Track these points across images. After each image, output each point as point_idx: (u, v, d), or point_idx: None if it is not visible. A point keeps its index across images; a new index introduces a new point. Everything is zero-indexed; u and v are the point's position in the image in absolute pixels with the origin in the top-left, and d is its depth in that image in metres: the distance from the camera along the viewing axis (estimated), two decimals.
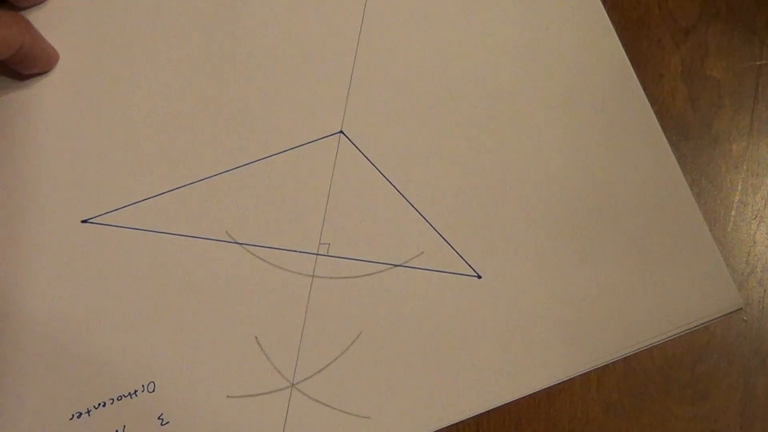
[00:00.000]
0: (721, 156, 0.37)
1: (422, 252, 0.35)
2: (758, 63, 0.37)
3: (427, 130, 0.36)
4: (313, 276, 0.34)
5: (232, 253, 0.35)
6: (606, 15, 0.38)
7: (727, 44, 0.37)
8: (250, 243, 0.35)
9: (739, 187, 0.36)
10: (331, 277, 0.34)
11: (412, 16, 0.38)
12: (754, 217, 0.36)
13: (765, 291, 0.35)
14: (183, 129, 0.36)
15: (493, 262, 0.35)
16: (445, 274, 0.35)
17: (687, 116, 0.37)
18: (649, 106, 0.36)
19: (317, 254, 0.35)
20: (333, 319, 0.34)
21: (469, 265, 0.35)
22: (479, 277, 0.35)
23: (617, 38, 0.37)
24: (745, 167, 0.37)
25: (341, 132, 0.36)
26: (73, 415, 0.33)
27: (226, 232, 0.35)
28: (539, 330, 0.34)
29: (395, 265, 0.35)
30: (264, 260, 0.35)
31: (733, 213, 0.36)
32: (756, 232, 0.36)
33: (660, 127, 0.36)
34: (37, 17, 0.38)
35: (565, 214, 0.35)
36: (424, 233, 0.35)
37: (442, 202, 0.35)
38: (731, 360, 0.34)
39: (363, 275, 0.34)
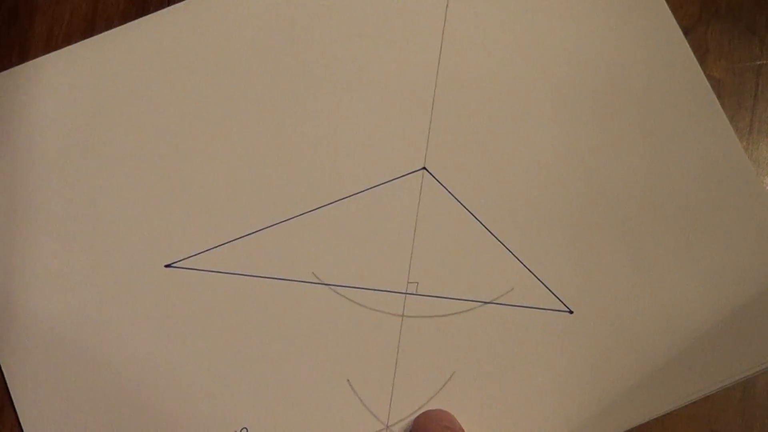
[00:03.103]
0: None
1: (512, 288, 0.34)
2: (758, 63, 0.37)
3: (512, 163, 0.36)
4: (403, 316, 0.34)
5: (319, 294, 0.34)
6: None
7: (727, 44, 0.37)
8: (338, 284, 0.34)
9: None
10: (422, 317, 0.34)
11: (491, 44, 0.37)
12: None
13: None
14: (264, 170, 0.36)
15: (584, 297, 0.34)
16: (536, 310, 0.34)
17: None
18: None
19: (406, 293, 0.34)
20: (425, 359, 0.34)
21: (561, 300, 0.34)
22: (571, 312, 0.34)
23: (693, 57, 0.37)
24: None
25: (424, 168, 0.36)
26: None
27: (313, 273, 0.34)
28: (633, 366, 0.34)
29: (485, 303, 0.34)
30: (352, 301, 0.34)
31: None
32: None
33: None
34: (133, 52, 0.38)
35: (661, 243, 0.35)
36: (513, 269, 0.34)
37: (530, 235, 0.35)
38: None
39: (453, 313, 0.34)
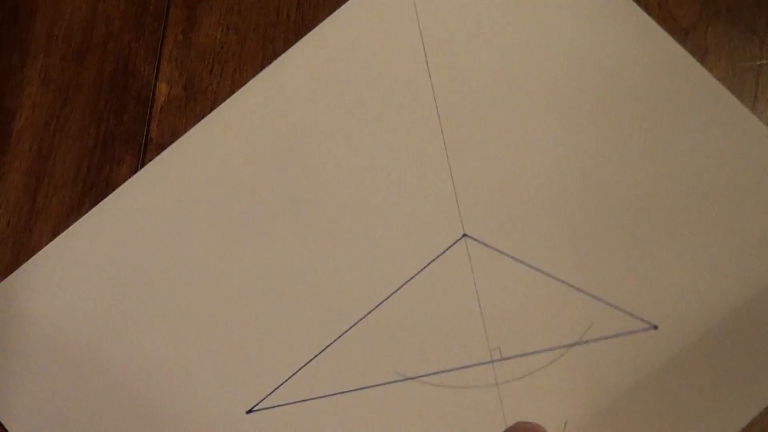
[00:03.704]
0: None
1: (592, 323, 0.34)
2: (758, 63, 0.37)
3: (547, 201, 0.35)
4: (497, 384, 0.33)
5: (409, 390, 0.33)
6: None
7: (727, 44, 0.37)
8: (423, 374, 0.33)
9: None
10: (516, 379, 0.33)
11: (489, 106, 0.36)
12: None
13: None
14: (310, 288, 0.35)
15: (665, 310, 0.34)
16: (622, 337, 0.33)
17: None
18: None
19: (493, 361, 0.34)
20: (534, 419, 0.33)
21: (642, 320, 0.34)
22: (656, 327, 0.33)
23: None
24: None
25: (465, 235, 0.35)
26: None
27: (395, 370, 0.34)
28: (730, 371, 0.33)
29: (571, 346, 0.34)
30: (443, 386, 0.33)
31: None
32: None
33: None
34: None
35: (728, 235, 0.34)
36: (586, 303, 0.34)
37: (592, 266, 0.34)
38: None
39: (544, 366, 0.33)
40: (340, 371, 0.34)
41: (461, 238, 0.35)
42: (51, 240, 0.37)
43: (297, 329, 0.34)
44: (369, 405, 0.33)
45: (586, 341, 0.33)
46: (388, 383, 0.33)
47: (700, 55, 0.37)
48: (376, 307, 0.34)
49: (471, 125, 0.36)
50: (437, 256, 0.34)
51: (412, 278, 0.34)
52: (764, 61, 0.37)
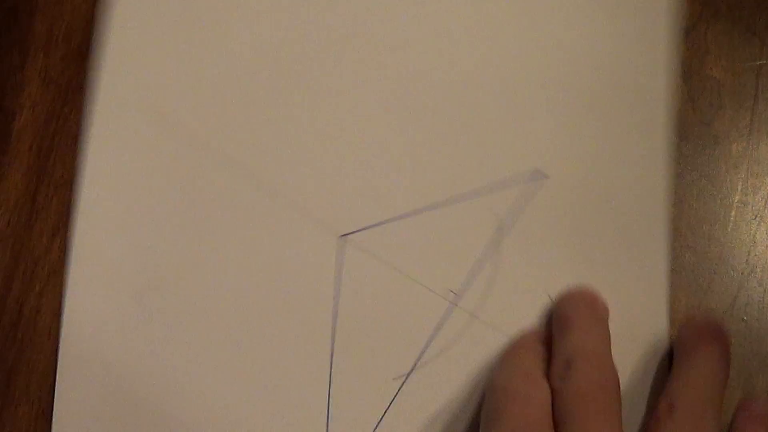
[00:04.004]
0: (721, 156, 0.37)
1: (497, 214, 0.34)
2: (758, 63, 0.37)
3: (379, 155, 0.35)
4: (475, 316, 0.33)
5: (418, 382, 0.33)
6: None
7: (727, 44, 0.37)
8: (416, 361, 0.33)
9: (739, 187, 0.36)
10: (484, 300, 0.34)
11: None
12: (754, 217, 0.36)
13: (765, 291, 0.35)
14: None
15: (544, 159, 0.35)
16: (531, 204, 0.34)
17: (687, 116, 0.37)
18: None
19: (456, 304, 0.34)
20: (523, 307, 0.34)
21: (529, 176, 0.35)
22: (545, 176, 0.35)
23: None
24: (745, 167, 0.37)
25: (341, 236, 0.34)
26: None
27: (391, 379, 0.33)
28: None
29: (499, 240, 0.34)
30: (440, 355, 0.33)
31: (733, 213, 0.36)
32: (756, 232, 0.36)
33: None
34: None
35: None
36: (480, 201, 0.34)
37: (460, 167, 0.35)
38: (731, 360, 0.34)
39: (494, 272, 0.33)
40: (351, 416, 0.33)
41: (340, 239, 0.34)
42: (51, 240, 0.37)
43: (282, 401, 0.34)
44: (400, 418, 0.33)
45: (509, 225, 0.34)
46: (397, 392, 0.33)
47: (700, 55, 0.37)
48: (333, 345, 0.33)
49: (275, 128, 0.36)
50: (339, 271, 0.34)
51: (337, 302, 0.34)
52: (764, 61, 0.37)
